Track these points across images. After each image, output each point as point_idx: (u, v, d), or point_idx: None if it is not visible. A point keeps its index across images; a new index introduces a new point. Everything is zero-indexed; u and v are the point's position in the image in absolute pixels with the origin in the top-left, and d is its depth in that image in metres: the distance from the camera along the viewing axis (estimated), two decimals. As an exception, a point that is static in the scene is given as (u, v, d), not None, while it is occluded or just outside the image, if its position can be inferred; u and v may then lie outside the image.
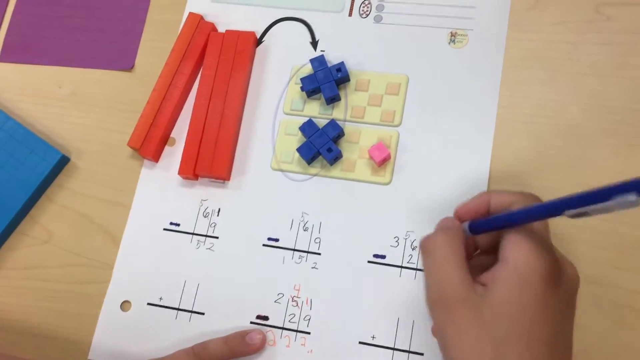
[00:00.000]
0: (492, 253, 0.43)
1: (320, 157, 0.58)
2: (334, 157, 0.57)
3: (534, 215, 0.40)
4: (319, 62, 0.59)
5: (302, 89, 0.59)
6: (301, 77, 0.59)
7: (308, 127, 0.58)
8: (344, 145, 0.58)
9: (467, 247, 0.43)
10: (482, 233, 0.44)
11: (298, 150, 0.57)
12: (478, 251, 0.46)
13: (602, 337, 0.50)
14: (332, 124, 0.57)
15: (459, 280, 0.40)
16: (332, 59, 0.61)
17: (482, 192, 0.46)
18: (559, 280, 0.40)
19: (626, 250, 0.51)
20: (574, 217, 0.37)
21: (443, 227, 0.45)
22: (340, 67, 0.59)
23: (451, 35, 0.60)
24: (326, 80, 0.59)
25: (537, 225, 0.42)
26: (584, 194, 0.36)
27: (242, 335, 0.54)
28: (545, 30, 0.58)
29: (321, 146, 0.57)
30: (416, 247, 0.54)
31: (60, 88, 0.66)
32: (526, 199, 0.42)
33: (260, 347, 0.53)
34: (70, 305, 0.58)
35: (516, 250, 0.40)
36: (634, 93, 0.55)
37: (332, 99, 0.59)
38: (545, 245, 0.40)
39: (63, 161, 0.62)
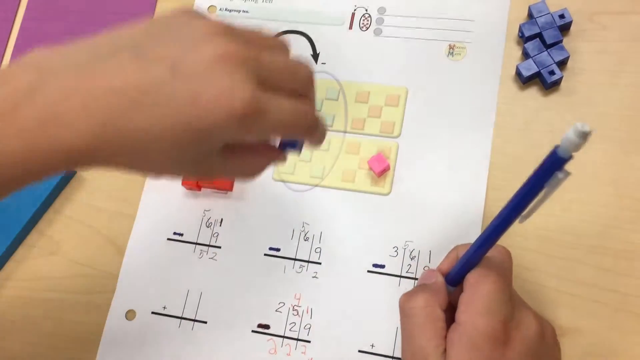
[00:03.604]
0: None
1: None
2: (554, 81, 0.56)
3: (483, 243, 0.41)
4: (538, 10, 0.58)
5: (520, 35, 0.59)
6: (521, 23, 0.59)
7: (532, 45, 0.57)
8: (344, 156, 0.59)
9: (452, 302, 0.45)
10: (459, 283, 0.45)
11: (519, 65, 0.57)
12: None
13: (599, 341, 0.50)
14: (560, 47, 0.57)
15: (432, 349, 0.42)
16: (333, 71, 0.62)
17: (453, 247, 0.48)
18: (509, 339, 0.41)
19: (623, 254, 0.52)
20: (522, 221, 0.38)
21: (425, 284, 0.46)
22: (564, 14, 0.58)
23: (449, 48, 0.60)
24: (549, 26, 0.58)
25: (497, 269, 0.43)
26: (518, 197, 0.37)
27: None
28: (542, 41, 0.59)
29: (543, 67, 0.56)
30: (415, 256, 0.55)
31: (67, 102, 0.67)
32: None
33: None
34: (77, 315, 0.59)
35: (465, 313, 0.42)
36: (628, 100, 0.56)
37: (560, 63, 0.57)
38: (497, 303, 0.41)
39: (70, 174, 0.63)
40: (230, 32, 0.37)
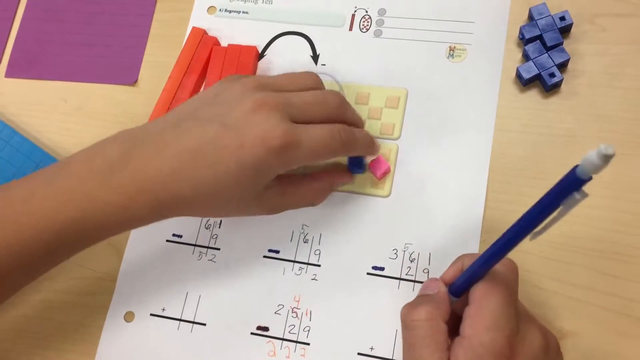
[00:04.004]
0: None
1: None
2: (554, 84, 0.56)
3: (492, 256, 0.41)
4: (539, 12, 0.58)
5: (520, 37, 0.59)
6: (521, 25, 0.58)
7: (532, 48, 0.57)
8: (344, 158, 0.58)
9: (456, 311, 0.45)
10: (463, 294, 0.45)
11: (519, 68, 0.57)
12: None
13: (597, 346, 0.50)
14: (560, 50, 0.57)
15: None
16: (333, 72, 0.62)
17: (458, 257, 0.47)
18: (514, 354, 0.41)
19: (622, 257, 0.52)
20: (533, 239, 0.38)
21: (427, 294, 0.46)
22: (564, 16, 0.58)
23: (450, 50, 0.60)
24: (549, 29, 0.58)
25: (503, 282, 0.43)
26: (531, 214, 0.37)
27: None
28: (542, 43, 0.59)
29: (544, 69, 0.56)
30: (414, 259, 0.55)
31: (65, 102, 0.67)
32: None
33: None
34: (75, 317, 0.59)
35: (471, 327, 0.41)
36: (628, 103, 0.56)
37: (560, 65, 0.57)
38: (503, 318, 0.41)
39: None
40: (263, 85, 0.49)
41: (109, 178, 0.46)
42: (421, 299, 0.46)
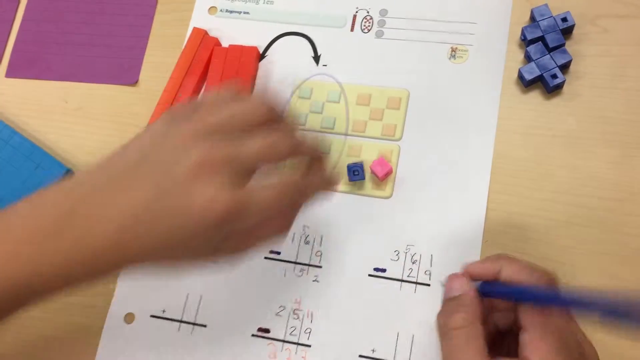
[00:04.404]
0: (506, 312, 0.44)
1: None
2: (556, 85, 0.56)
3: (554, 303, 0.40)
4: (541, 13, 0.58)
5: (522, 38, 0.59)
6: (523, 26, 0.58)
7: (534, 49, 0.57)
8: (345, 159, 0.58)
9: (483, 309, 0.44)
10: (493, 297, 0.44)
11: (521, 69, 0.57)
12: None
13: (602, 349, 0.50)
14: (562, 51, 0.56)
15: None
16: (334, 73, 0.61)
17: (496, 255, 0.46)
18: None
19: (627, 260, 0.52)
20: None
21: (456, 298, 0.45)
22: (566, 17, 0.57)
23: (452, 51, 0.60)
24: (551, 30, 0.57)
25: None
26: (620, 304, 0.35)
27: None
28: (544, 44, 0.58)
29: (546, 70, 0.56)
30: (416, 260, 0.54)
31: (66, 103, 0.67)
32: (540, 282, 0.43)
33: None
34: (75, 318, 0.59)
35: (535, 353, 0.40)
36: (631, 104, 0.55)
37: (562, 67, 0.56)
38: (564, 344, 0.40)
39: (67, 174, 0.63)
40: (211, 131, 0.42)
41: (50, 241, 0.42)
42: (453, 305, 0.45)
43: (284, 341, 0.54)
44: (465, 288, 0.45)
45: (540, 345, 0.40)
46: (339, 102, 0.60)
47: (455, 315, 0.44)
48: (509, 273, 0.44)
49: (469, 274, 0.46)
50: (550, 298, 0.40)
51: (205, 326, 0.56)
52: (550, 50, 0.57)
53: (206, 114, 0.44)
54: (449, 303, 0.46)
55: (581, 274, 0.52)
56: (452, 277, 0.47)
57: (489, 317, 0.46)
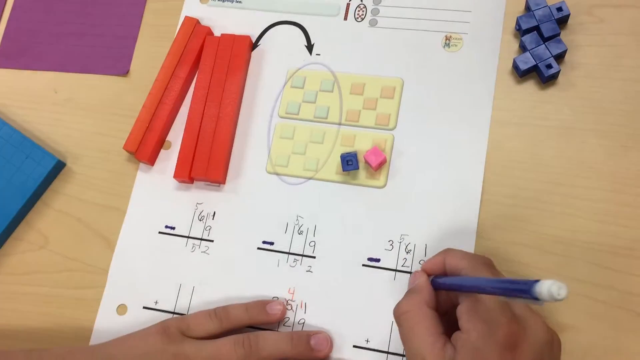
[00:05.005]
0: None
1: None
2: (551, 75, 0.56)
3: (481, 290, 0.42)
4: (536, 2, 0.58)
5: (517, 28, 0.58)
6: (518, 15, 0.58)
7: (529, 39, 0.57)
8: (339, 149, 0.58)
9: (446, 300, 0.47)
10: (443, 290, 0.47)
11: (516, 59, 0.56)
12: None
13: (596, 340, 0.50)
14: (557, 41, 0.56)
15: (428, 347, 0.43)
16: (328, 62, 0.61)
17: (442, 250, 0.49)
18: (518, 342, 0.41)
19: (620, 251, 0.52)
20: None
21: (410, 287, 0.49)
22: (562, 6, 0.57)
23: (446, 39, 0.60)
24: (546, 19, 0.57)
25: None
26: (504, 285, 0.38)
27: (262, 305, 0.53)
28: (539, 34, 0.58)
29: (541, 60, 0.56)
30: (411, 250, 0.54)
31: (56, 93, 0.66)
32: (475, 266, 0.45)
33: (280, 318, 0.53)
34: (67, 310, 0.58)
35: (470, 322, 0.42)
36: (626, 95, 0.55)
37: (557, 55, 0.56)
38: (498, 309, 0.41)
39: (59, 166, 0.62)
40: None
41: None
42: (406, 294, 0.48)
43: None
44: (417, 280, 0.48)
45: (473, 315, 0.42)
46: (332, 91, 0.60)
47: (403, 302, 0.46)
48: (451, 261, 0.47)
49: (424, 270, 0.49)
50: (478, 286, 0.42)
51: (205, 310, 0.55)
52: (545, 40, 0.57)
53: (177, 344, 0.51)
54: (404, 295, 0.48)
55: (576, 265, 0.52)
56: (412, 274, 0.50)
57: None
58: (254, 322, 0.53)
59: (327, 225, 0.56)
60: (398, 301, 0.47)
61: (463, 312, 0.43)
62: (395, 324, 0.49)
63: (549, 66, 0.56)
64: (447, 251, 0.49)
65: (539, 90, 0.57)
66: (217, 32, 0.64)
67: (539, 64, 0.56)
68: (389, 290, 0.53)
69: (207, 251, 0.57)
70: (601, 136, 0.54)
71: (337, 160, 0.57)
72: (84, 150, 0.63)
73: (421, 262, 0.54)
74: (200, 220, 0.58)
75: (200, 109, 0.61)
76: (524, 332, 0.41)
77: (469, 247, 0.53)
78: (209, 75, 0.62)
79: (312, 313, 0.54)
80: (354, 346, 0.53)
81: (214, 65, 0.62)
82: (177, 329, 0.52)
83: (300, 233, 0.56)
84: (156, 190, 0.60)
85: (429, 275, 0.49)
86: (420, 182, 0.56)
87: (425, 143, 0.57)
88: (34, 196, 0.61)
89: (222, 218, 0.58)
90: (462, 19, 0.60)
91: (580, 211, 0.53)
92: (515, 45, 0.59)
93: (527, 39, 0.57)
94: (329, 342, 0.52)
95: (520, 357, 0.40)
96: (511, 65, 0.58)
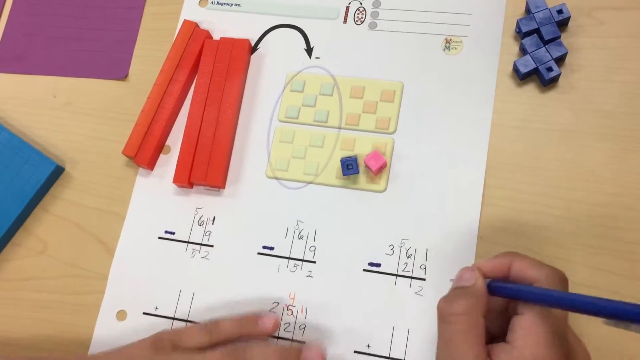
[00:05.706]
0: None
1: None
2: (551, 78, 0.55)
3: (563, 304, 0.39)
4: (536, 5, 0.57)
5: (517, 31, 0.58)
6: (518, 18, 0.57)
7: (529, 41, 0.56)
8: (339, 153, 0.58)
9: (488, 304, 0.43)
10: (500, 296, 0.43)
11: (516, 62, 0.56)
12: None
13: (599, 344, 0.49)
14: (558, 43, 0.56)
15: (472, 357, 0.40)
16: (327, 65, 0.61)
17: (506, 252, 0.45)
18: None
19: (623, 254, 0.51)
20: (611, 325, 0.36)
21: (463, 287, 0.44)
22: (562, 9, 0.57)
23: (446, 42, 0.60)
24: (546, 22, 0.57)
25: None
26: (629, 307, 0.34)
27: (254, 319, 0.53)
28: (539, 36, 0.58)
29: (541, 63, 0.55)
30: (412, 255, 0.54)
31: (54, 98, 0.66)
32: (550, 279, 0.41)
33: (272, 331, 0.52)
34: (66, 316, 0.58)
35: (524, 339, 0.39)
36: (628, 97, 0.55)
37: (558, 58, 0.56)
38: (557, 335, 0.39)
39: (58, 171, 0.62)
40: None
41: None
42: (458, 292, 0.43)
43: (278, 337, 0.54)
44: (475, 280, 0.44)
45: (531, 333, 0.39)
46: (332, 95, 0.60)
47: (459, 301, 0.42)
48: (519, 269, 0.43)
49: (480, 270, 0.44)
50: (556, 299, 0.39)
51: (198, 323, 0.55)
52: (545, 42, 0.56)
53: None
54: (455, 291, 0.44)
55: (577, 269, 0.51)
56: (464, 269, 0.45)
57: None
58: (244, 335, 0.52)
59: (328, 230, 0.56)
60: (448, 295, 0.44)
61: (522, 326, 0.40)
62: (395, 328, 0.50)
63: (550, 69, 0.55)
64: (514, 255, 0.44)
65: (540, 93, 0.57)
66: (216, 36, 0.64)
67: (539, 67, 0.56)
68: (390, 295, 0.53)
69: (207, 256, 0.57)
70: (602, 139, 0.54)
71: (337, 164, 0.57)
72: (82, 155, 0.63)
73: (422, 266, 0.53)
74: (200, 225, 0.58)
75: (199, 113, 0.60)
76: None
77: (470, 251, 0.53)
78: (208, 79, 0.61)
79: (312, 318, 0.54)
80: (355, 351, 0.52)
81: (213, 69, 0.62)
82: (169, 342, 0.51)
83: (300, 238, 0.56)
84: (156, 195, 0.60)
85: (485, 277, 0.44)
86: (421, 186, 0.56)
87: (425, 147, 0.57)
88: (33, 201, 0.61)
89: (222, 223, 0.58)
90: (462, 22, 0.60)
91: (582, 215, 0.53)
92: (515, 48, 0.58)
93: (527, 41, 0.57)
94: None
95: None
96: (511, 68, 0.57)
